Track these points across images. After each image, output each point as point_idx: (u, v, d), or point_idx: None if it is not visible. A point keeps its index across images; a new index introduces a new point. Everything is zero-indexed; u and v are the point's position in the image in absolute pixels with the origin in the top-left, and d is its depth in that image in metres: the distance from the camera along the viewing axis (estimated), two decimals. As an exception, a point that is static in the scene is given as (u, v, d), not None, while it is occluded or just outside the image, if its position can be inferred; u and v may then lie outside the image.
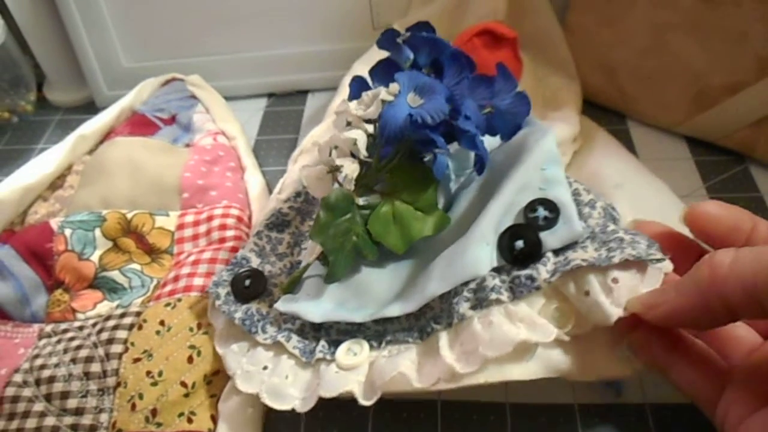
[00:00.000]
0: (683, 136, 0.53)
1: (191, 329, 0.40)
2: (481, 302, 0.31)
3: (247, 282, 0.38)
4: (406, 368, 0.31)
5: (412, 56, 0.38)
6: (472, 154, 0.39)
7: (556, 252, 0.32)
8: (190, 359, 0.38)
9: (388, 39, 0.39)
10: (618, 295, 0.29)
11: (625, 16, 0.51)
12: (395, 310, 0.33)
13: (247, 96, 0.64)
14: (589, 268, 0.30)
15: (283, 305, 0.36)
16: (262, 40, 0.62)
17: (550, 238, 0.32)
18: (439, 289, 0.32)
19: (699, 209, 0.31)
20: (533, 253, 0.32)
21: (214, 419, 0.37)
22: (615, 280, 0.30)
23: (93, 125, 0.54)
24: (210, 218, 0.46)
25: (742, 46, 0.47)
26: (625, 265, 0.30)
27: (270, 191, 0.52)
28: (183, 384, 0.37)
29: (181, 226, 0.47)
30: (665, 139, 0.53)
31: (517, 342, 0.29)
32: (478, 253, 0.32)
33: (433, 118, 0.34)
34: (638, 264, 0.30)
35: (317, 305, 0.35)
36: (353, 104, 0.37)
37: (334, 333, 0.36)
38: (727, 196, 0.48)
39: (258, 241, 0.41)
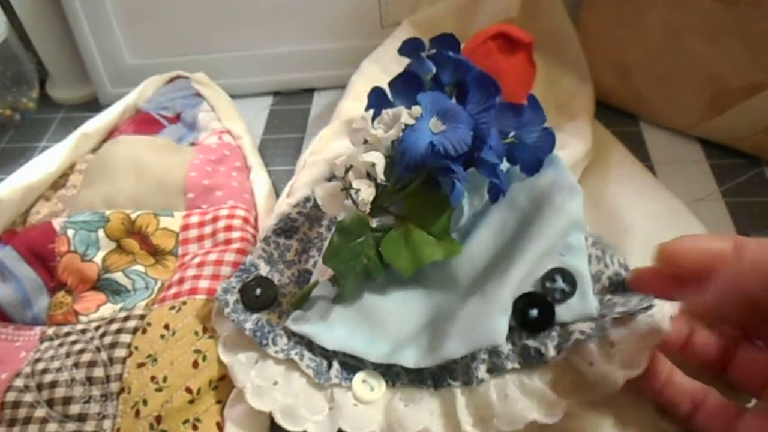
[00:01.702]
0: (697, 139, 0.52)
1: (196, 333, 0.39)
2: (497, 367, 0.33)
3: (258, 291, 0.37)
4: (427, 422, 0.32)
5: (434, 69, 0.38)
6: (484, 180, 0.38)
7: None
8: (195, 364, 0.37)
9: (410, 48, 0.39)
10: (620, 359, 0.30)
11: (640, 16, 0.50)
12: (410, 360, 0.34)
13: (252, 94, 0.63)
14: (588, 339, 0.31)
15: (294, 325, 0.36)
16: (268, 37, 0.61)
17: (563, 312, 0.33)
18: (457, 352, 0.32)
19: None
20: (545, 324, 0.33)
21: (220, 426, 0.36)
22: (612, 344, 0.31)
23: (96, 123, 0.53)
24: (215, 219, 0.45)
25: (760, 47, 0.46)
26: (620, 323, 0.31)
27: (276, 192, 0.51)
28: (188, 390, 0.36)
29: (185, 227, 0.46)
30: (679, 141, 0.52)
31: (529, 421, 0.30)
32: (499, 321, 0.32)
33: (455, 148, 0.33)
34: (632, 318, 0.30)
35: (329, 330, 0.35)
36: (370, 121, 0.37)
37: (342, 355, 0.36)
38: (742, 200, 0.47)
39: (266, 247, 0.41)
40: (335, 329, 0.35)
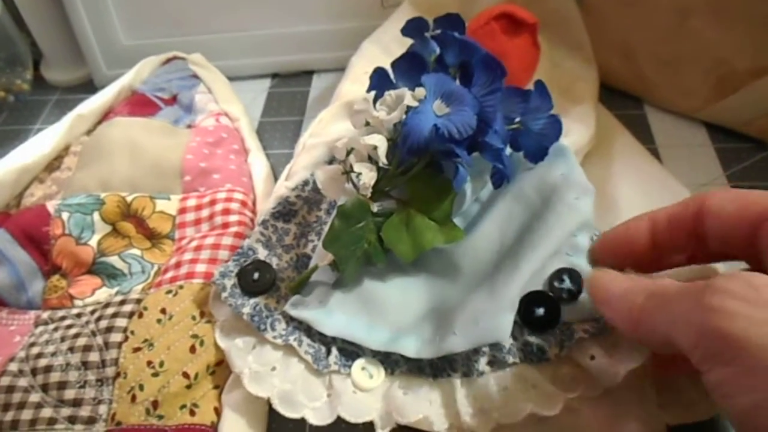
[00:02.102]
0: (702, 123, 0.51)
1: (194, 318, 0.38)
2: (497, 361, 0.32)
3: (256, 275, 0.37)
4: (426, 410, 0.32)
5: (438, 51, 0.37)
6: (487, 165, 0.37)
7: None
8: (192, 349, 0.37)
9: (414, 28, 0.38)
10: (621, 353, 0.30)
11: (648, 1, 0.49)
12: (410, 350, 0.33)
13: (250, 76, 0.62)
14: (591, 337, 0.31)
15: (293, 310, 0.35)
16: (266, 18, 0.60)
17: (569, 312, 0.32)
18: (460, 347, 0.32)
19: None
20: (551, 323, 0.32)
21: (217, 411, 0.36)
22: (615, 343, 0.30)
23: (91, 104, 0.52)
24: (213, 202, 0.45)
25: (767, 30, 0.45)
26: None
27: (275, 175, 0.51)
28: (185, 375, 0.36)
29: (182, 210, 0.45)
30: (684, 125, 0.51)
31: (527, 413, 0.30)
32: (506, 319, 0.32)
33: (460, 132, 0.32)
34: None
35: (328, 316, 0.34)
36: (372, 102, 0.36)
37: (340, 341, 0.35)
38: (747, 184, 0.46)
39: (264, 230, 0.40)
40: (334, 315, 0.34)
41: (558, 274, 0.33)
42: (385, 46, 0.53)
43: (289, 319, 0.36)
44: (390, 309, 0.35)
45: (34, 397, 0.36)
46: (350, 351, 0.35)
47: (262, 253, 0.39)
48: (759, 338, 0.21)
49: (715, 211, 0.28)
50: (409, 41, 0.42)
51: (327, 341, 0.35)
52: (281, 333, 0.35)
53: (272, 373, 0.34)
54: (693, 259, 0.31)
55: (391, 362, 0.34)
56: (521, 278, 0.32)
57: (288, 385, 0.34)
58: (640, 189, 0.43)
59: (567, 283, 0.32)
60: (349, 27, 0.59)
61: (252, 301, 0.36)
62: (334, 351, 0.35)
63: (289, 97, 0.60)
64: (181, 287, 0.39)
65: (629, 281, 0.28)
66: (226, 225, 0.43)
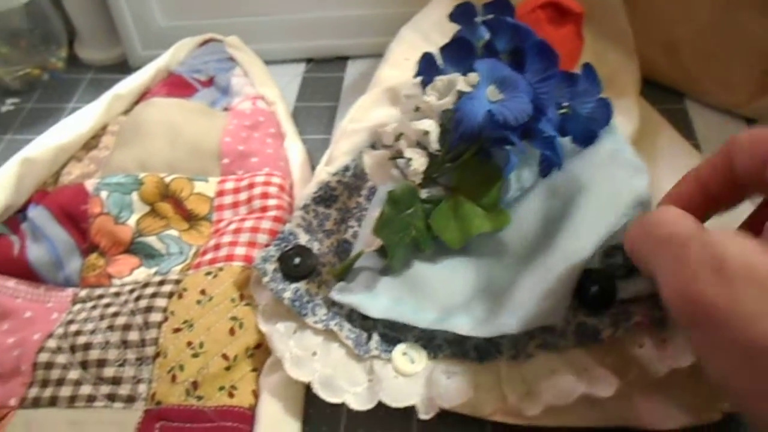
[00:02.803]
0: (745, 119, 0.50)
1: (233, 300, 0.38)
2: (548, 344, 0.32)
3: (297, 260, 0.36)
4: (471, 394, 0.32)
5: (487, 36, 0.36)
6: (537, 152, 0.37)
7: None
8: (231, 331, 0.37)
9: (462, 13, 0.37)
10: (671, 353, 0.30)
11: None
12: (463, 328, 0.32)
13: (285, 60, 0.62)
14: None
15: (338, 295, 0.35)
16: (302, 1, 0.59)
17: (625, 288, 0.32)
18: (514, 328, 0.31)
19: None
20: (605, 302, 0.32)
21: (255, 394, 0.36)
22: (665, 339, 0.30)
23: (128, 85, 0.52)
24: (251, 186, 0.44)
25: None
26: None
27: (310, 160, 0.50)
28: (224, 356, 0.36)
29: (220, 193, 0.45)
30: (726, 121, 0.50)
31: (578, 395, 0.30)
32: (561, 301, 0.31)
33: (516, 118, 0.32)
34: None
35: (374, 299, 0.34)
36: (421, 88, 0.35)
37: (381, 326, 0.35)
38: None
39: (305, 215, 0.40)
40: (381, 298, 0.34)
41: (611, 251, 0.32)
42: (424, 33, 0.52)
43: (330, 305, 0.36)
44: (438, 291, 0.34)
45: (74, 374, 0.36)
46: (391, 336, 0.35)
47: (303, 238, 0.38)
48: (729, 310, 0.21)
49: (738, 150, 0.27)
50: (449, 28, 0.41)
51: (368, 326, 0.35)
52: (322, 318, 0.35)
53: (313, 357, 0.34)
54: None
55: (433, 347, 0.34)
56: (576, 257, 0.32)
57: (329, 370, 0.34)
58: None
59: (620, 258, 0.32)
60: (385, 13, 0.59)
61: (293, 286, 0.36)
62: (375, 336, 0.35)
63: (323, 83, 0.60)
64: (220, 269, 0.39)
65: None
66: (264, 209, 0.43)
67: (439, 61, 0.38)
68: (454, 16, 0.38)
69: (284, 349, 0.34)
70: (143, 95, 0.53)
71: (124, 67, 0.63)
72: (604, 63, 0.51)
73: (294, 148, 0.49)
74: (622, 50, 0.52)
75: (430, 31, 0.52)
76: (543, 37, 0.41)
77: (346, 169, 0.42)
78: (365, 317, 0.35)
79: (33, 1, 0.58)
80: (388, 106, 0.46)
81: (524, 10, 0.45)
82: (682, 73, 0.52)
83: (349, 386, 0.33)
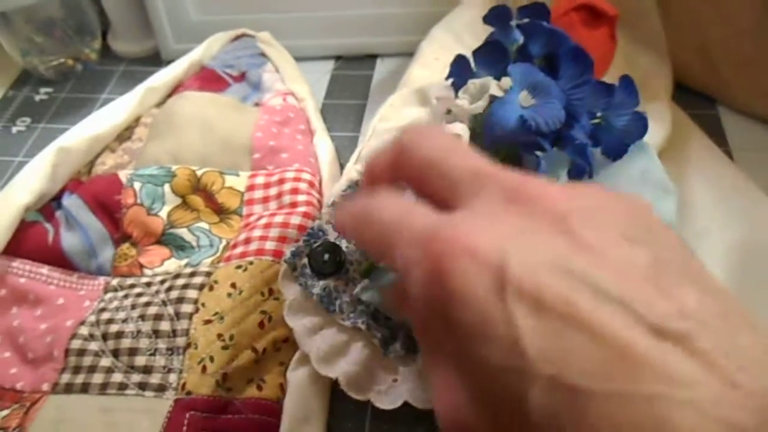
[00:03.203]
0: (779, 127, 0.50)
1: (263, 294, 0.38)
2: None
3: (326, 257, 0.37)
4: None
5: (521, 40, 0.36)
6: (566, 159, 0.37)
7: None
8: (261, 325, 0.37)
9: (497, 16, 0.37)
10: None
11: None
12: None
13: (314, 57, 0.62)
14: None
15: (364, 294, 0.35)
16: (332, -1, 0.60)
17: None
18: None
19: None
20: None
21: (282, 388, 0.36)
22: None
23: (162, 78, 0.53)
24: (281, 181, 0.45)
25: None
26: None
27: (338, 157, 0.51)
28: (254, 350, 0.36)
29: (251, 188, 0.45)
30: (760, 129, 0.50)
31: None
32: None
33: (548, 124, 0.32)
34: None
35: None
36: (453, 91, 0.35)
37: (406, 328, 0.35)
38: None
39: (334, 212, 0.40)
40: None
41: None
42: (456, 33, 0.52)
43: (357, 302, 0.36)
44: None
45: (105, 361, 0.37)
46: (411, 336, 0.35)
47: (332, 235, 0.39)
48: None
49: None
50: (481, 29, 0.41)
51: (393, 325, 0.35)
52: (349, 315, 0.35)
53: (340, 354, 0.34)
54: None
55: None
56: None
57: (355, 368, 0.34)
58: (718, 193, 0.42)
59: None
60: (415, 12, 0.59)
61: (322, 282, 0.36)
62: (401, 336, 0.35)
63: (352, 80, 0.60)
64: (251, 263, 0.40)
65: None
66: (294, 204, 0.43)
67: (472, 63, 0.38)
68: (488, 19, 0.38)
69: (311, 345, 0.35)
70: (176, 88, 0.54)
71: (156, 60, 0.63)
72: (636, 66, 0.51)
73: (323, 145, 0.49)
74: (654, 53, 0.52)
75: (462, 31, 0.52)
76: (577, 39, 0.41)
77: None
78: (389, 316, 0.35)
79: (68, -8, 0.59)
80: (418, 105, 0.46)
81: (557, 12, 0.45)
82: (715, 78, 0.51)
83: (375, 385, 0.34)
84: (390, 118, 0.46)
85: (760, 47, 0.48)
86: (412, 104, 0.47)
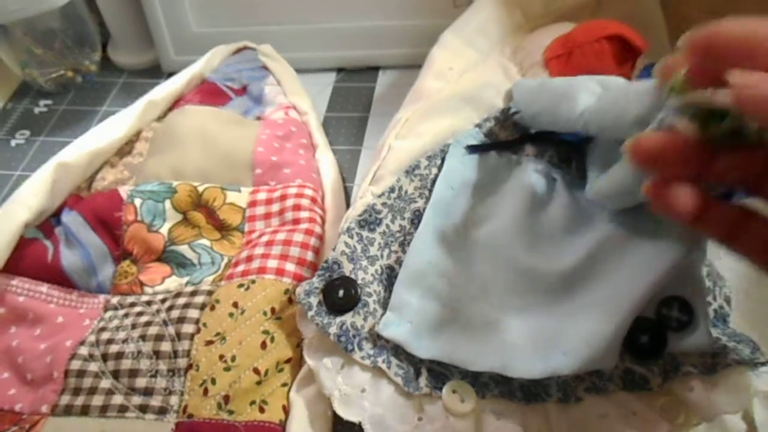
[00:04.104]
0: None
1: (265, 313, 0.38)
2: (596, 387, 0.32)
3: (341, 293, 0.36)
4: None
5: None
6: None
7: None
8: (263, 345, 0.37)
9: None
10: (721, 398, 0.29)
11: (735, 9, 0.47)
12: (515, 369, 0.32)
13: (316, 69, 0.61)
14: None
15: (384, 330, 0.34)
16: (334, 11, 0.59)
17: (676, 342, 0.31)
18: (568, 369, 0.31)
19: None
20: (654, 352, 0.31)
21: (285, 410, 0.36)
22: (715, 384, 0.30)
23: (163, 91, 0.52)
24: (283, 197, 0.44)
25: None
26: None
27: (340, 171, 0.50)
28: (256, 371, 0.36)
29: (253, 204, 0.45)
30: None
31: None
32: (617, 346, 0.31)
33: None
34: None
35: (420, 337, 0.34)
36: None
37: (429, 361, 0.34)
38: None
39: (349, 240, 0.38)
40: (427, 337, 0.34)
41: (667, 302, 0.32)
42: (467, 38, 0.51)
43: (377, 337, 0.35)
44: (488, 326, 0.34)
45: (105, 383, 0.37)
46: (439, 372, 0.34)
47: (347, 268, 0.37)
48: None
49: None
50: (493, 32, 0.40)
51: (416, 361, 0.35)
52: (369, 353, 0.34)
53: (362, 395, 0.33)
54: None
55: (480, 384, 0.34)
56: (633, 302, 0.31)
57: (379, 409, 0.33)
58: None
59: (675, 312, 0.31)
60: (418, 24, 0.58)
61: (338, 319, 0.35)
62: (424, 372, 0.34)
63: (354, 93, 0.59)
64: (252, 282, 0.39)
65: None
66: (296, 221, 0.43)
67: None
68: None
69: (332, 386, 0.34)
70: (177, 102, 0.53)
71: (156, 72, 0.63)
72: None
73: (325, 160, 0.49)
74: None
75: (473, 35, 0.50)
76: (604, 71, 0.40)
77: (392, 190, 0.41)
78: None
79: (69, 4, 0.58)
80: (437, 119, 0.44)
81: (588, 37, 0.44)
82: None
83: (400, 425, 0.33)
84: (406, 135, 0.44)
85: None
86: (430, 118, 0.44)
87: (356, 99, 0.59)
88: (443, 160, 0.41)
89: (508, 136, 0.42)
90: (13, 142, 0.57)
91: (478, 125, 0.43)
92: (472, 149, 0.42)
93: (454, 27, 0.52)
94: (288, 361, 0.37)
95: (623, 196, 0.32)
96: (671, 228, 0.32)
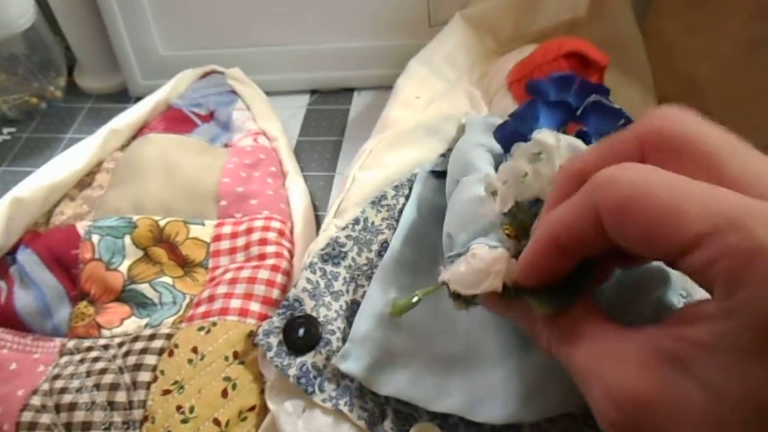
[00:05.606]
0: (770, 161, 0.48)
1: (226, 358, 0.36)
2: (569, 429, 0.30)
3: (301, 332, 0.34)
4: None
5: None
6: None
7: None
8: (224, 393, 0.35)
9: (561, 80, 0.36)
10: None
11: (715, 26, 0.46)
12: (493, 414, 0.29)
13: (288, 92, 0.60)
14: None
15: (343, 363, 0.32)
16: (307, 32, 0.58)
17: None
18: (552, 410, 0.29)
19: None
20: None
21: (248, 460, 0.33)
22: None
23: (126, 119, 0.50)
24: (249, 231, 0.42)
25: None
26: None
27: (312, 199, 0.48)
28: (216, 422, 0.34)
29: (217, 238, 0.43)
30: (750, 163, 0.48)
31: None
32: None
33: None
34: None
35: (382, 373, 0.32)
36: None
37: (395, 402, 0.32)
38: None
39: (311, 276, 0.37)
40: (390, 372, 0.32)
41: None
42: (435, 67, 0.50)
43: (340, 377, 0.33)
44: (461, 363, 0.32)
45: (57, 436, 0.34)
46: (407, 414, 0.32)
47: (308, 305, 0.35)
48: None
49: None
50: (461, 61, 0.39)
51: (381, 402, 0.33)
52: (331, 395, 0.33)
53: None
54: None
55: (450, 426, 0.31)
56: None
57: None
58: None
59: None
60: (392, 44, 0.57)
61: (298, 360, 0.34)
62: (390, 414, 0.32)
63: (328, 115, 0.58)
64: (214, 324, 0.37)
65: None
66: (262, 256, 0.41)
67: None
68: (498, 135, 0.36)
69: (292, 430, 0.32)
70: (141, 130, 0.51)
71: (123, 96, 0.61)
72: (618, 99, 0.49)
73: (295, 188, 0.47)
74: (638, 86, 0.50)
75: (440, 64, 0.50)
76: None
77: (356, 222, 0.39)
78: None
79: (32, 28, 0.56)
80: (403, 149, 0.43)
81: (545, 57, 0.43)
82: (703, 112, 0.49)
83: None
84: (370, 166, 0.43)
85: (748, 81, 0.46)
86: (395, 149, 0.43)
87: (330, 122, 0.57)
88: (411, 189, 0.40)
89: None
90: (-27, 173, 0.55)
91: (443, 155, 0.43)
92: (438, 174, 0.41)
93: (421, 56, 0.51)
94: (252, 409, 0.35)
95: None
96: None
